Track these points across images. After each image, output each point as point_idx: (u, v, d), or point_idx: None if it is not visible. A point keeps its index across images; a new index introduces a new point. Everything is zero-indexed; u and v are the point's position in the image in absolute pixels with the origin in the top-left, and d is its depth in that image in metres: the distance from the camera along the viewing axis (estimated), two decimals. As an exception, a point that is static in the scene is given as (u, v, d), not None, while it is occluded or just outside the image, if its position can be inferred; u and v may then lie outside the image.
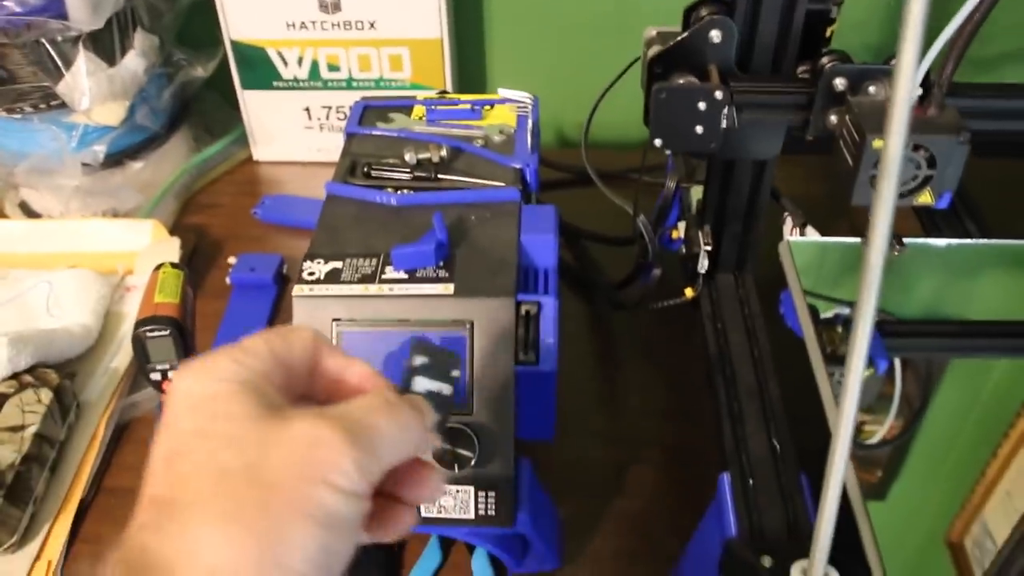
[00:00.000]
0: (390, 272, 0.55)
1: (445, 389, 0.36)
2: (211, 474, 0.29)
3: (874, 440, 0.59)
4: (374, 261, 0.56)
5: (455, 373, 0.37)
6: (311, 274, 0.55)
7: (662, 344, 0.78)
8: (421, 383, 0.36)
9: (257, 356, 0.33)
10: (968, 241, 0.70)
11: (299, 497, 0.29)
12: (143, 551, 0.28)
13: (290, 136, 1.02)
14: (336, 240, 0.58)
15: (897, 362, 0.62)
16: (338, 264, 0.56)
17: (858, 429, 0.61)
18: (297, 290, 0.54)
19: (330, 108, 0.99)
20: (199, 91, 1.02)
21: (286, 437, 0.30)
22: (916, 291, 0.68)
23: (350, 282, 0.54)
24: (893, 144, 0.30)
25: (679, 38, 0.55)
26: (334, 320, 0.53)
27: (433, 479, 0.36)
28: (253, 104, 1.00)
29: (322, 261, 0.56)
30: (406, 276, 0.54)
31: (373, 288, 0.54)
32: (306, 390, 0.35)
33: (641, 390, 0.75)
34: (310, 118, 1.00)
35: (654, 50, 0.55)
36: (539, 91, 0.92)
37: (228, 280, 0.85)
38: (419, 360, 0.36)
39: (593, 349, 0.79)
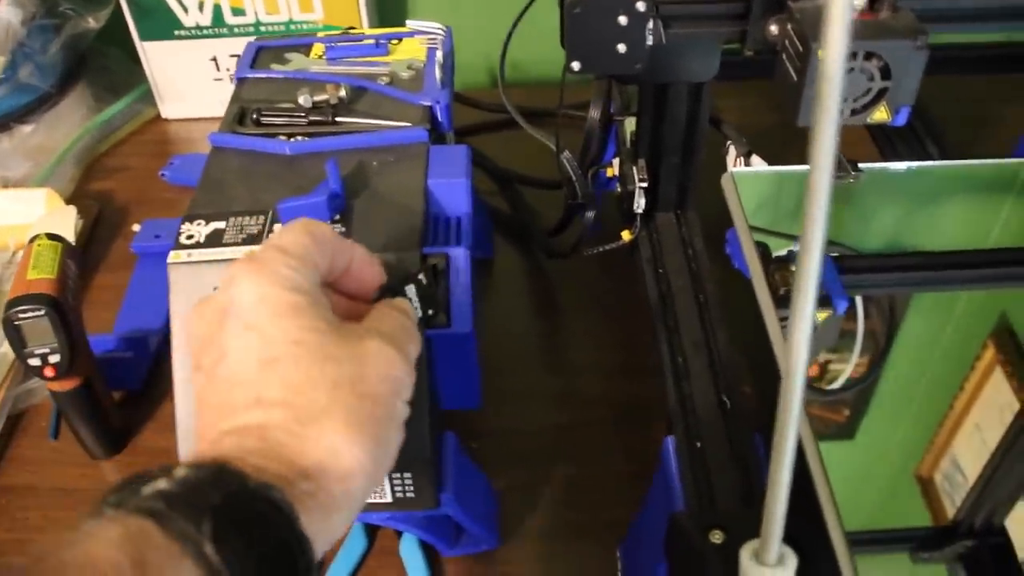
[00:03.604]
0: (279, 230, 0.48)
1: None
2: (323, 386, 0.32)
3: (840, 381, 0.56)
4: (261, 219, 0.49)
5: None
6: (189, 237, 0.49)
7: (606, 293, 0.73)
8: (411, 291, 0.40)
9: (306, 263, 0.35)
10: (929, 164, 0.65)
11: (392, 409, 0.34)
12: (280, 445, 0.31)
13: (198, 90, 0.94)
14: (220, 198, 0.51)
15: (859, 299, 0.58)
16: (220, 224, 0.49)
17: (823, 369, 0.57)
18: (173, 256, 0.48)
19: (238, 57, 0.91)
20: (96, 46, 0.94)
21: (369, 357, 0.34)
22: (876, 220, 0.64)
23: (233, 244, 0.48)
24: (833, 35, 0.24)
25: (594, -56, 0.48)
26: (216, 288, 0.46)
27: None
28: (155, 56, 0.91)
29: (203, 222, 0.49)
30: (297, 234, 0.47)
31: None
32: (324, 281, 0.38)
33: (584, 344, 0.69)
34: (218, 69, 0.92)
35: (568, -40, 0.48)
36: (468, 25, 0.85)
37: (132, 249, 0.77)
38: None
39: (531, 302, 0.73)
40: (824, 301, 0.54)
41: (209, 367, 0.34)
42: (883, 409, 0.55)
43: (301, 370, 0.32)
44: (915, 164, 0.62)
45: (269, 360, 0.32)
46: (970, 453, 0.50)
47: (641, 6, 0.46)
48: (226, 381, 0.33)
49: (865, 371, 0.57)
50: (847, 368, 0.57)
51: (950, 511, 0.48)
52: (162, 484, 0.28)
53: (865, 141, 0.76)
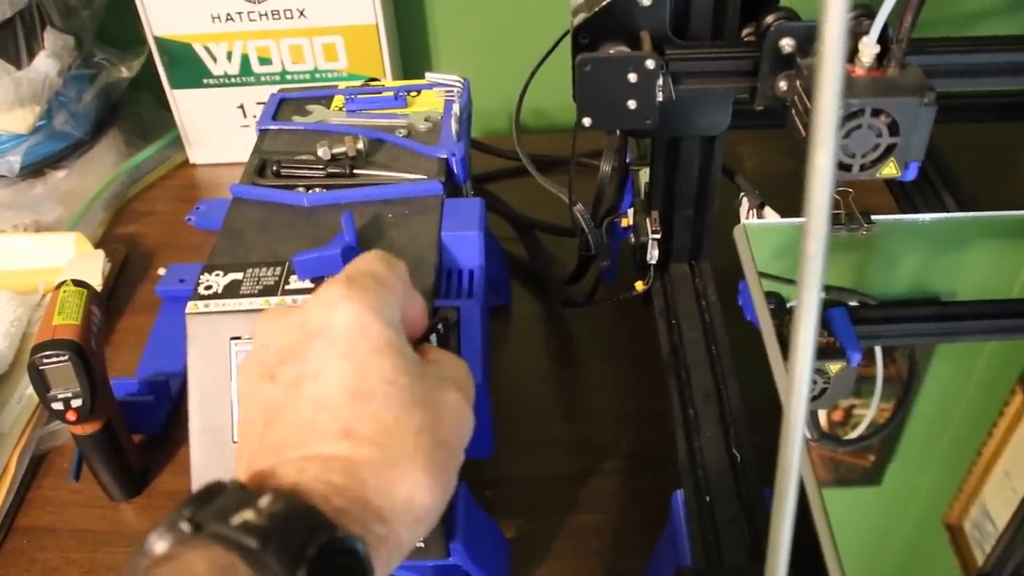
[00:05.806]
0: (295, 282, 0.49)
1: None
2: (409, 430, 0.33)
3: (862, 427, 0.55)
4: (278, 270, 0.50)
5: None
6: (208, 288, 0.50)
7: (621, 341, 0.73)
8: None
9: (396, 297, 0.36)
10: (943, 216, 0.64)
11: (458, 458, 0.35)
12: (363, 485, 0.31)
13: (225, 136, 0.96)
14: (239, 248, 0.52)
15: (878, 349, 0.57)
16: (238, 275, 0.50)
17: (847, 414, 0.57)
18: (191, 307, 0.49)
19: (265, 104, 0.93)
20: (129, 93, 0.96)
21: (447, 406, 0.35)
22: (901, 268, 0.63)
23: (250, 295, 0.49)
24: (827, 80, 0.24)
25: (605, 3, 0.49)
26: (232, 339, 0.48)
27: None
28: (184, 104, 0.94)
29: (221, 273, 0.51)
30: (312, 285, 0.48)
31: (275, 301, 0.48)
32: None
33: (598, 392, 0.69)
34: (245, 116, 0.94)
35: (579, 18, 0.49)
36: (491, 73, 0.86)
37: (157, 293, 0.79)
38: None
39: (546, 349, 0.73)
40: (839, 352, 0.53)
41: (291, 383, 0.34)
42: (910, 455, 0.53)
43: (392, 411, 0.33)
44: (928, 216, 0.61)
45: (362, 394, 0.33)
46: (1000, 501, 0.49)
47: (651, 63, 0.47)
48: (312, 403, 0.33)
49: (890, 416, 0.56)
50: (870, 413, 0.56)
51: (980, 560, 0.46)
52: (249, 515, 0.28)
53: (882, 189, 0.76)
